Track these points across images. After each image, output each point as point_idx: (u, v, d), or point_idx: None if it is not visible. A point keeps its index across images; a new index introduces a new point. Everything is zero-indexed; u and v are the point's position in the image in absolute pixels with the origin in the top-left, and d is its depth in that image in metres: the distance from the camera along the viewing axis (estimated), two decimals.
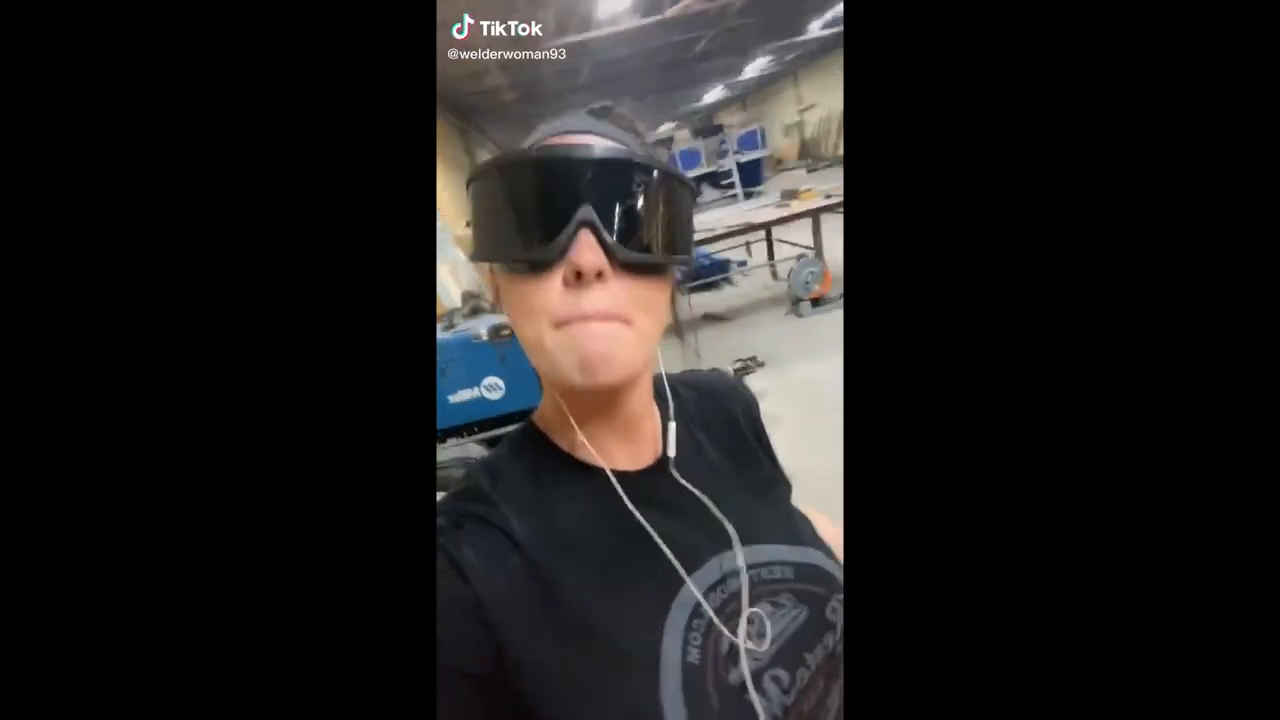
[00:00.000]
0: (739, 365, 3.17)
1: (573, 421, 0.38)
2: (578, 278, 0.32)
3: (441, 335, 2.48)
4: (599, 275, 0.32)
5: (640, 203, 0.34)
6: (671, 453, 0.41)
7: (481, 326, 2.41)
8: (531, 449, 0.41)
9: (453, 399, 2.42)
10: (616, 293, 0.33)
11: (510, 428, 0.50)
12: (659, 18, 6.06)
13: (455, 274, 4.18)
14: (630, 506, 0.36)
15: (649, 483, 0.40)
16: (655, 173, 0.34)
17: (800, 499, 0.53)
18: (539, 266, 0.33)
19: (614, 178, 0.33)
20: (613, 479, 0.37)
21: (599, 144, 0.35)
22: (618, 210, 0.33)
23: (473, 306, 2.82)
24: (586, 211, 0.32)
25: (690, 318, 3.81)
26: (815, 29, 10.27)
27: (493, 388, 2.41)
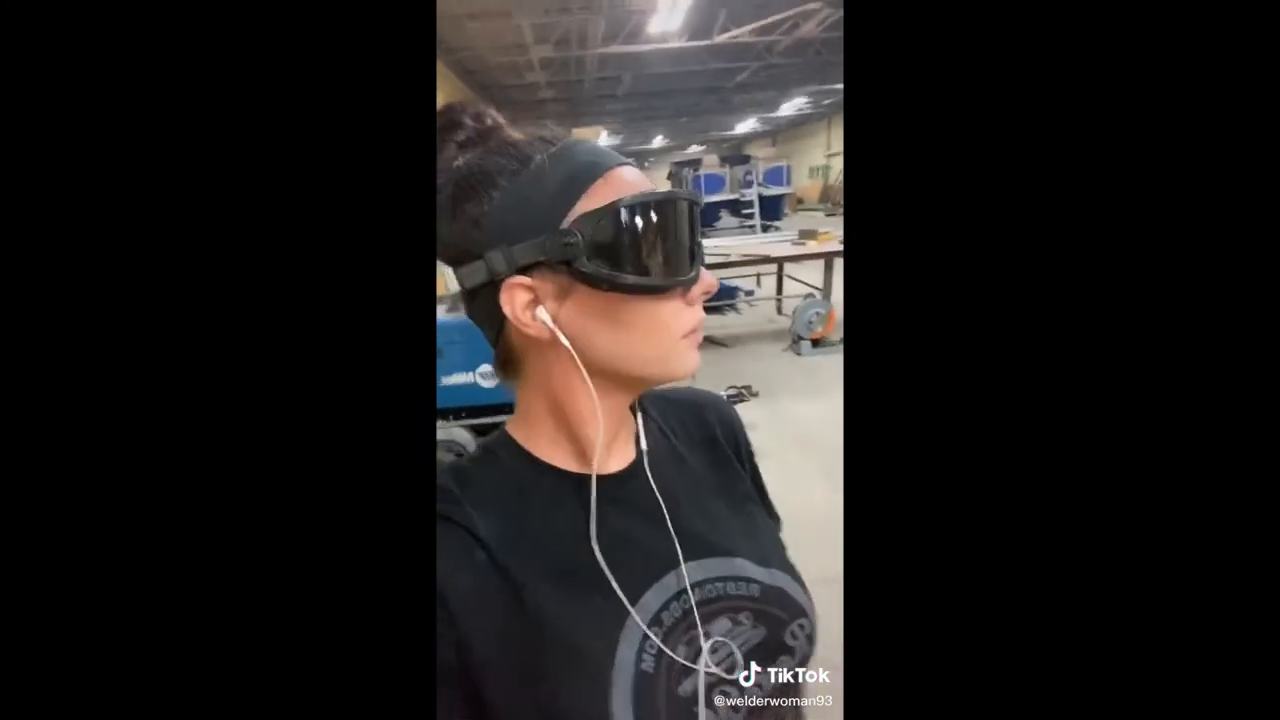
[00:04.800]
0: (732, 392, 3.17)
1: (575, 428, 0.40)
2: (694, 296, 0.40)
3: (442, 317, 2.47)
4: None
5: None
6: (644, 445, 0.43)
7: None
8: (506, 455, 0.42)
9: (446, 381, 2.40)
10: None
11: (501, 418, 0.50)
12: (707, 43, 6.17)
13: None
14: (593, 531, 0.38)
15: (628, 485, 0.42)
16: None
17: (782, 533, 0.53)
18: (668, 289, 0.38)
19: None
20: (593, 490, 0.39)
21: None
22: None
23: None
24: (701, 247, 0.41)
25: None
26: None
27: (488, 375, 2.40)
